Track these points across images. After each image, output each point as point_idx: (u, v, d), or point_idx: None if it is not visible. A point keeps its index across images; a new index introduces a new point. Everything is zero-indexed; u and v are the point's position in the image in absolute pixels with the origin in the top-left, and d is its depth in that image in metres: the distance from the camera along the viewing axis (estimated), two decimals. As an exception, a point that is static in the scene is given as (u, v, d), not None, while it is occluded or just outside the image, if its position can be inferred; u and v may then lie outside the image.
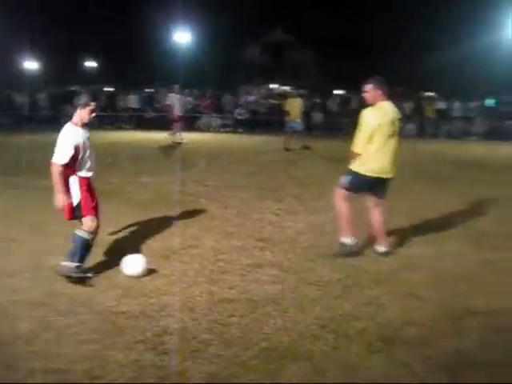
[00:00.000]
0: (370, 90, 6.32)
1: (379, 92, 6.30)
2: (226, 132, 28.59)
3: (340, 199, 6.46)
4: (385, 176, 6.32)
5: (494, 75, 32.68)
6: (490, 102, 30.35)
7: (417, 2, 38.76)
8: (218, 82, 34.09)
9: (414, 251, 6.72)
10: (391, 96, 6.47)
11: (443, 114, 28.92)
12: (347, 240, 6.43)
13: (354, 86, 32.17)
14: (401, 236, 7.32)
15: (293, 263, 6.20)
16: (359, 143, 6.23)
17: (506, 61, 30.21)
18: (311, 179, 12.22)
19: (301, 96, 20.48)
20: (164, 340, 4.17)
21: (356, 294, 5.30)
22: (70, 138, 5.44)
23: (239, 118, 29.37)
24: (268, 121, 29.46)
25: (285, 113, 19.31)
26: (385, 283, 5.58)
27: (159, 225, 7.73)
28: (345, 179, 6.41)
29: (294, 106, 18.79)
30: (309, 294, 5.24)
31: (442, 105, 29.28)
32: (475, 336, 4.37)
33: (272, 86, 42.63)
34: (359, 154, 6.25)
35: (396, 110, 6.37)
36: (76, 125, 5.56)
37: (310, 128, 28.40)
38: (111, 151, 15.81)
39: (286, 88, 43.78)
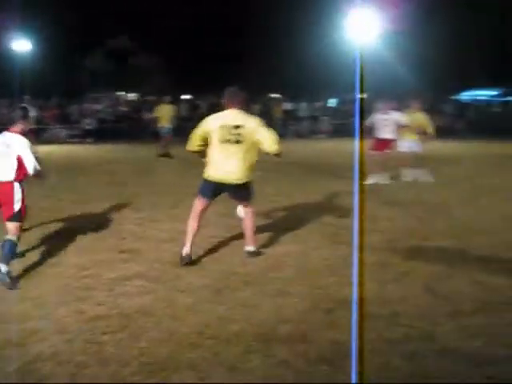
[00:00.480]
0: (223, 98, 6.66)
1: (226, 101, 6.60)
2: (75, 143, 27.66)
3: (195, 209, 6.66)
4: (229, 181, 6.47)
5: (335, 76, 34.41)
6: (332, 101, 31.96)
7: (256, 8, 39.85)
8: (62, 91, 32.82)
9: (279, 250, 6.91)
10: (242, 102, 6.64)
11: (290, 115, 29.98)
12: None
13: (201, 91, 32.52)
14: (264, 236, 7.51)
15: (160, 272, 6.13)
16: (189, 142, 6.63)
17: (344, 61, 31.89)
18: (168, 186, 12.17)
19: (172, 102, 20.35)
20: (37, 367, 3.94)
21: (228, 296, 5.35)
22: None
23: (87, 127, 28.49)
24: (117, 129, 28.89)
25: (155, 119, 19.39)
26: (255, 283, 5.68)
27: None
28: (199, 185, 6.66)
29: (164, 113, 18.84)
30: (181, 302, 5.21)
31: (288, 106, 30.34)
32: (347, 326, 4.57)
33: (119, 93, 41.82)
34: (191, 151, 6.68)
35: (242, 117, 6.50)
36: None
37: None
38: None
39: (133, 95, 43.22)
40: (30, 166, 5.98)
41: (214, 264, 6.39)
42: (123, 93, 43.38)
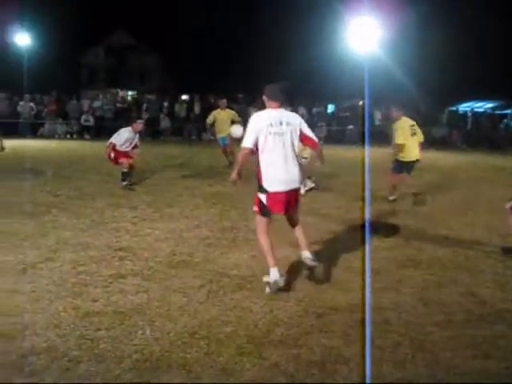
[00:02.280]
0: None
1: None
2: (73, 139, 27.69)
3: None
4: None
5: (332, 82, 34.59)
6: (329, 107, 32.11)
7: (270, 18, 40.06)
8: (61, 87, 32.83)
9: (275, 253, 6.92)
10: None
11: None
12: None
13: (198, 91, 32.54)
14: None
15: (155, 271, 6.17)
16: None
17: (343, 68, 32.05)
18: (162, 186, 12.21)
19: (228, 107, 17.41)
20: (31, 361, 3.97)
21: (221, 298, 5.39)
22: None
23: (85, 124, 28.51)
24: (115, 126, 28.88)
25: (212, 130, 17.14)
26: (248, 286, 5.72)
27: (10, 238, 7.35)
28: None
29: (224, 118, 16.22)
30: (175, 302, 5.24)
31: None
32: (339, 331, 4.63)
33: (118, 90, 41.89)
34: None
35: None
36: None
37: (157, 133, 28.38)
38: None
39: (132, 92, 43.28)
40: None
41: (208, 265, 6.43)
42: (121, 90, 43.41)
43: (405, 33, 32.86)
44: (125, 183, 12.02)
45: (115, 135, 12.26)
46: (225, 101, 16.76)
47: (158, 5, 45.90)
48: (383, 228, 8.50)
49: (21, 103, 28.21)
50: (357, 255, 6.89)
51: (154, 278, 5.95)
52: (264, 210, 5.82)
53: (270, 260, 5.64)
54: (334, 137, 28.96)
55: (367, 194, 11.05)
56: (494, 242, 7.83)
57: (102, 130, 27.33)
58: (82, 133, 28.34)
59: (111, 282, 5.74)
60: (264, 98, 6.04)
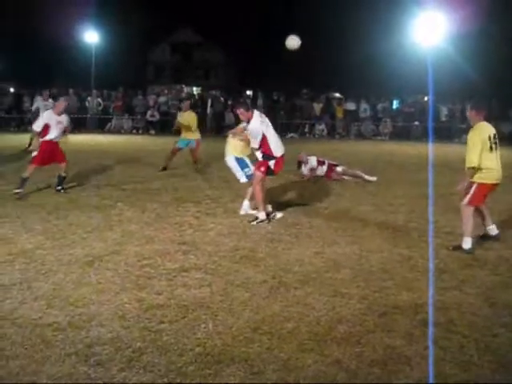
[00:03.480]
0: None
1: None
2: (138, 134, 28.21)
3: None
4: None
5: (398, 77, 34.00)
6: (394, 103, 31.59)
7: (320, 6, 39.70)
8: (127, 83, 33.54)
9: (338, 250, 6.90)
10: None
11: (352, 115, 29.69)
12: None
13: (261, 87, 32.57)
14: (322, 236, 7.54)
15: (218, 266, 6.21)
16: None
17: (409, 63, 31.45)
18: (227, 181, 12.24)
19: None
20: (96, 351, 4.06)
21: (283, 294, 5.37)
22: None
23: (151, 119, 29.01)
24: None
25: None
26: (311, 283, 5.69)
27: (77, 230, 7.56)
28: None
29: None
30: (237, 297, 5.26)
31: (351, 106, 30.04)
32: (402, 330, 4.54)
33: (183, 86, 42.44)
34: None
35: None
36: None
37: (222, 129, 28.58)
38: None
39: (197, 88, 43.73)
40: None
41: (271, 260, 6.43)
42: (186, 86, 43.96)
43: (473, 27, 31.96)
44: (19, 191, 9.73)
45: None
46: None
47: (222, 1, 46.22)
48: (448, 226, 8.28)
49: (88, 99, 28.97)
50: (421, 254, 6.75)
51: (217, 272, 5.99)
52: (269, 172, 8.49)
53: (263, 205, 8.46)
54: (399, 133, 28.51)
55: (431, 191, 10.81)
56: None
57: (167, 125, 27.74)
58: (147, 128, 28.84)
59: (175, 276, 5.82)
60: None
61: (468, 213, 7.07)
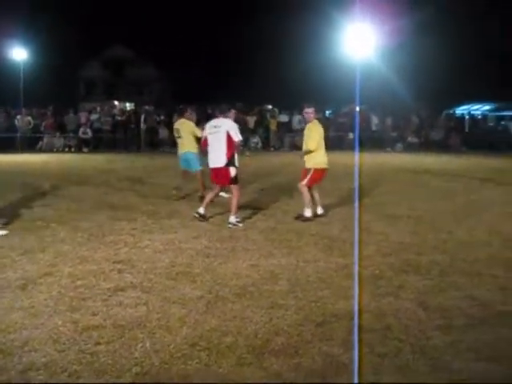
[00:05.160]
0: None
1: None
2: (71, 152, 27.69)
3: None
4: None
5: (329, 88, 34.68)
6: (326, 113, 32.17)
7: (262, 24, 40.15)
8: (58, 100, 32.92)
9: (273, 262, 6.95)
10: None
11: (285, 127, 30.03)
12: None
13: (195, 101, 32.58)
14: (258, 248, 7.58)
15: (154, 283, 6.15)
16: None
17: (339, 74, 32.13)
18: (162, 197, 12.18)
19: None
20: (30, 376, 3.95)
21: (221, 308, 5.37)
22: None
23: (83, 136, 28.51)
24: (113, 139, 29.01)
25: None
26: (248, 296, 5.70)
27: (9, 253, 7.34)
28: None
29: None
30: (174, 313, 5.22)
31: (284, 118, 30.38)
32: (340, 339, 4.60)
33: (115, 102, 41.94)
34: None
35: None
36: None
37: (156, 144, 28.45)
38: None
39: (130, 104, 43.31)
40: None
41: (207, 275, 6.41)
42: (119, 102, 43.48)
43: (401, 40, 32.99)
44: None
45: None
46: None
47: (153, 18, 46.08)
48: (383, 234, 8.48)
49: (18, 117, 28.23)
50: (356, 262, 6.87)
51: (153, 289, 5.93)
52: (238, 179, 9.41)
53: (237, 210, 9.28)
54: (332, 143, 28.94)
55: (356, 201, 11.04)
56: (494, 245, 7.82)
57: (100, 142, 27.35)
58: (80, 146, 28.33)
59: (110, 295, 5.72)
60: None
61: (305, 190, 9.62)
